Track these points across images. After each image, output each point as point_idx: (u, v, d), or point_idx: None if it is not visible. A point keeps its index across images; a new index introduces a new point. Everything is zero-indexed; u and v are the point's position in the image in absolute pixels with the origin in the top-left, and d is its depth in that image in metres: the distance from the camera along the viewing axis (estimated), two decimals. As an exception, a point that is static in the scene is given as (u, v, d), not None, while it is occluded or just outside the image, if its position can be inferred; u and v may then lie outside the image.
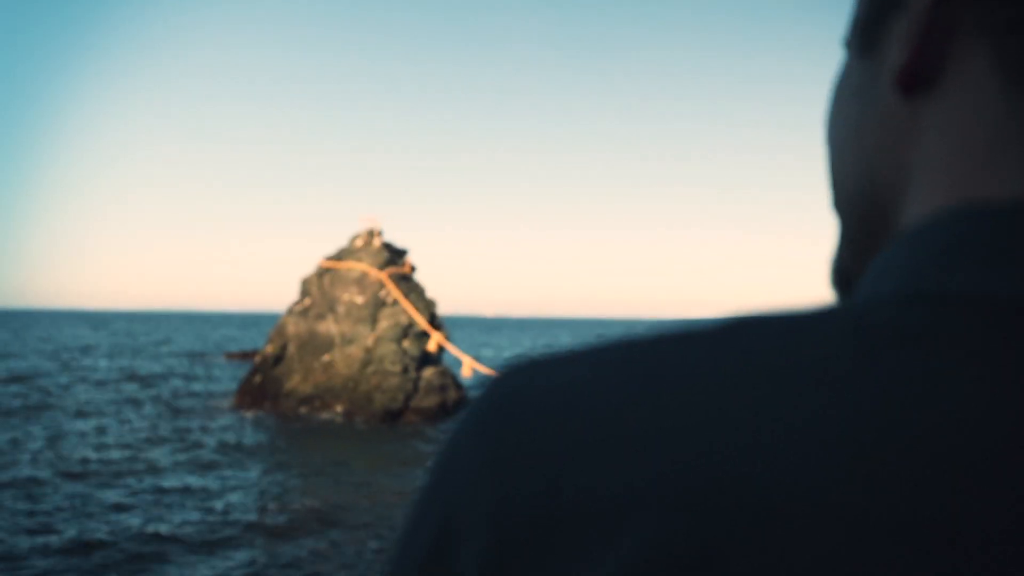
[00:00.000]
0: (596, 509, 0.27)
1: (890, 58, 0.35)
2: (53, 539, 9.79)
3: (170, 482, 12.98)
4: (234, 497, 12.25)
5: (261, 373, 23.01)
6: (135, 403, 22.60)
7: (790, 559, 0.24)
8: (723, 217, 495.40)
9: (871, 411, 0.26)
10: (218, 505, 11.74)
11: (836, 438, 0.25)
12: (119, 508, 11.31)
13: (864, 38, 0.37)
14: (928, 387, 0.26)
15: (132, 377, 30.22)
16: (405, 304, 22.19)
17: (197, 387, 27.13)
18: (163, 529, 10.42)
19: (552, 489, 0.28)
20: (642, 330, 0.32)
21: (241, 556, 9.41)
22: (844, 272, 0.40)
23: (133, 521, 10.73)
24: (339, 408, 20.42)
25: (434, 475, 0.34)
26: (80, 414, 20.12)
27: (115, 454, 15.12)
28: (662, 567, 0.25)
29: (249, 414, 20.82)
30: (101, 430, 17.80)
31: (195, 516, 11.10)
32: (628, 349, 0.31)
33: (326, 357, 21.85)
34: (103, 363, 37.00)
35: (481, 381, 0.35)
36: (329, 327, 22.44)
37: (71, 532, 10.13)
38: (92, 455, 14.97)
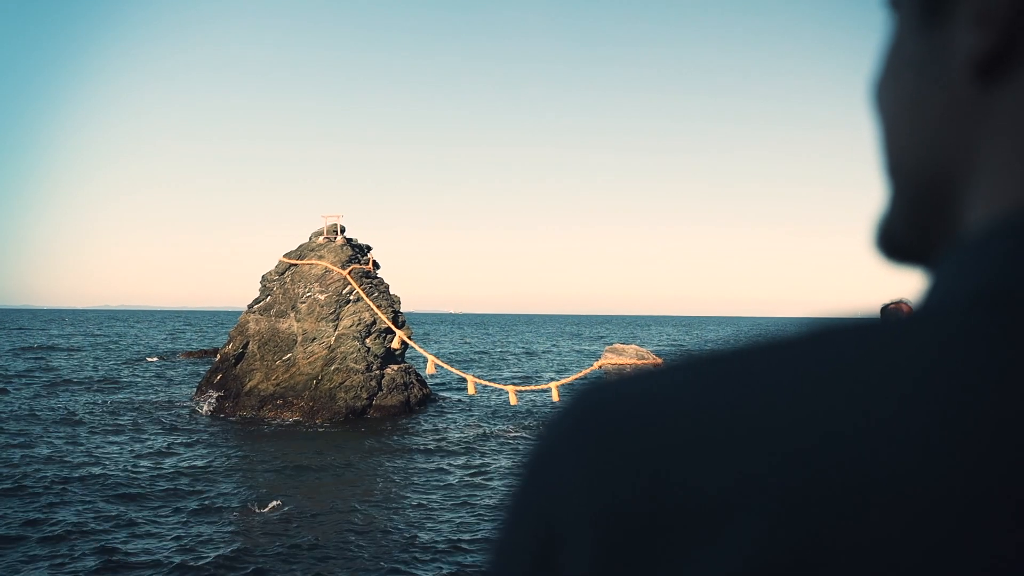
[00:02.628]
0: (702, 507, 0.28)
1: (961, 38, 0.33)
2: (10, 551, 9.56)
3: (128, 488, 12.73)
4: (197, 508, 12.07)
5: (221, 372, 22.67)
6: (90, 407, 22.13)
7: (902, 544, 0.25)
8: (695, 214, 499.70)
9: (961, 402, 0.27)
10: (182, 516, 11.55)
11: (935, 428, 0.27)
12: (73, 529, 11.07)
13: (923, 7, 0.36)
14: (1010, 380, 0.27)
15: (89, 378, 29.60)
16: (368, 301, 22.03)
17: (156, 387, 26.65)
18: (127, 547, 10.23)
19: (655, 489, 0.29)
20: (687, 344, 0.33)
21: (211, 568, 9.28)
22: (893, 237, 0.40)
23: (83, 541, 10.52)
24: (301, 406, 20.19)
25: (526, 484, 0.34)
26: (35, 419, 19.66)
27: (74, 459, 14.81)
28: (776, 561, 0.26)
29: (209, 415, 20.51)
30: (61, 436, 17.41)
31: (159, 524, 10.91)
32: (715, 357, 0.32)
33: (288, 355, 21.61)
34: (63, 363, 36.21)
35: (566, 395, 0.36)
36: (291, 325, 22.18)
37: (25, 546, 9.91)
38: (47, 468, 14.63)
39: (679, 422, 0.30)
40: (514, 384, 21.83)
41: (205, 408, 21.20)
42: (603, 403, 0.33)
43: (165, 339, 62.16)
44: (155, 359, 40.15)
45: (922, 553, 0.25)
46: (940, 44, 0.35)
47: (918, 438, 0.27)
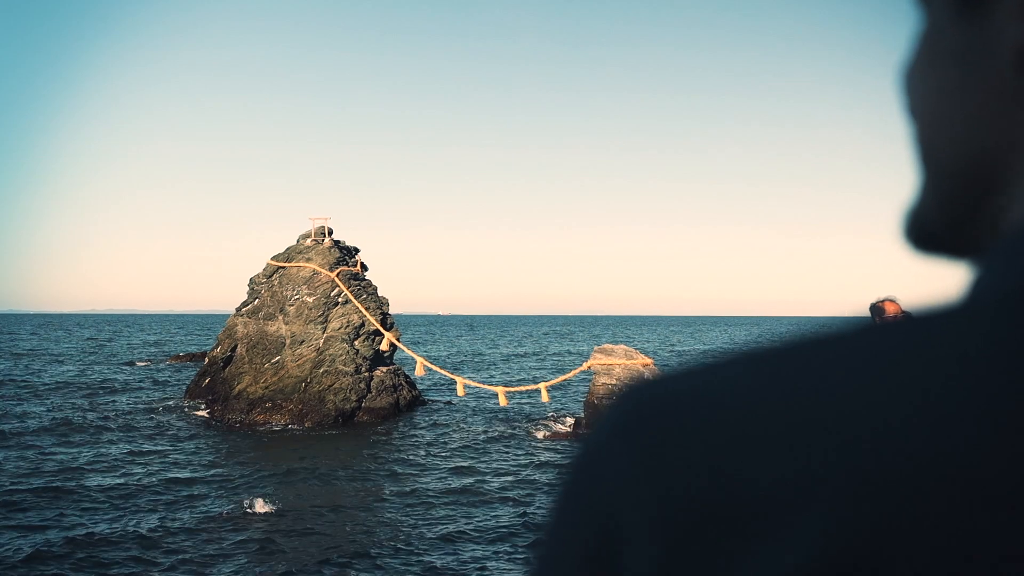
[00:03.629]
0: (765, 501, 0.28)
1: (1005, 29, 0.33)
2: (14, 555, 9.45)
3: (117, 492, 12.61)
4: (186, 512, 11.97)
5: (210, 376, 22.54)
6: (79, 413, 21.94)
7: (967, 527, 0.26)
8: (689, 215, 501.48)
9: (1011, 392, 0.27)
10: (171, 520, 11.46)
11: (990, 416, 0.27)
12: (61, 532, 10.95)
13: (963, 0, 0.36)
14: None
15: (77, 382, 29.36)
16: (356, 303, 21.93)
17: (144, 391, 26.47)
18: (116, 552, 10.13)
19: (717, 483, 0.29)
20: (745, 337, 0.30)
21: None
22: (924, 226, 0.39)
23: (70, 545, 10.42)
24: (290, 409, 20.07)
25: (578, 481, 0.33)
26: (23, 424, 19.46)
27: (62, 463, 14.66)
28: (844, 551, 0.26)
29: (197, 419, 20.37)
30: (49, 441, 17.23)
31: (147, 527, 10.81)
32: (764, 352, 0.32)
33: (276, 358, 21.48)
34: (51, 367, 35.93)
35: (612, 393, 0.35)
36: (279, 327, 22.07)
37: (14, 550, 9.81)
38: (34, 473, 14.48)
39: (736, 416, 0.30)
40: (504, 385, 21.76)
41: (194, 412, 21.05)
42: (657, 398, 0.32)
43: (153, 343, 61.84)
44: (143, 363, 39.89)
45: (987, 538, 0.25)
46: (980, 34, 0.34)
47: (973, 427, 0.27)
